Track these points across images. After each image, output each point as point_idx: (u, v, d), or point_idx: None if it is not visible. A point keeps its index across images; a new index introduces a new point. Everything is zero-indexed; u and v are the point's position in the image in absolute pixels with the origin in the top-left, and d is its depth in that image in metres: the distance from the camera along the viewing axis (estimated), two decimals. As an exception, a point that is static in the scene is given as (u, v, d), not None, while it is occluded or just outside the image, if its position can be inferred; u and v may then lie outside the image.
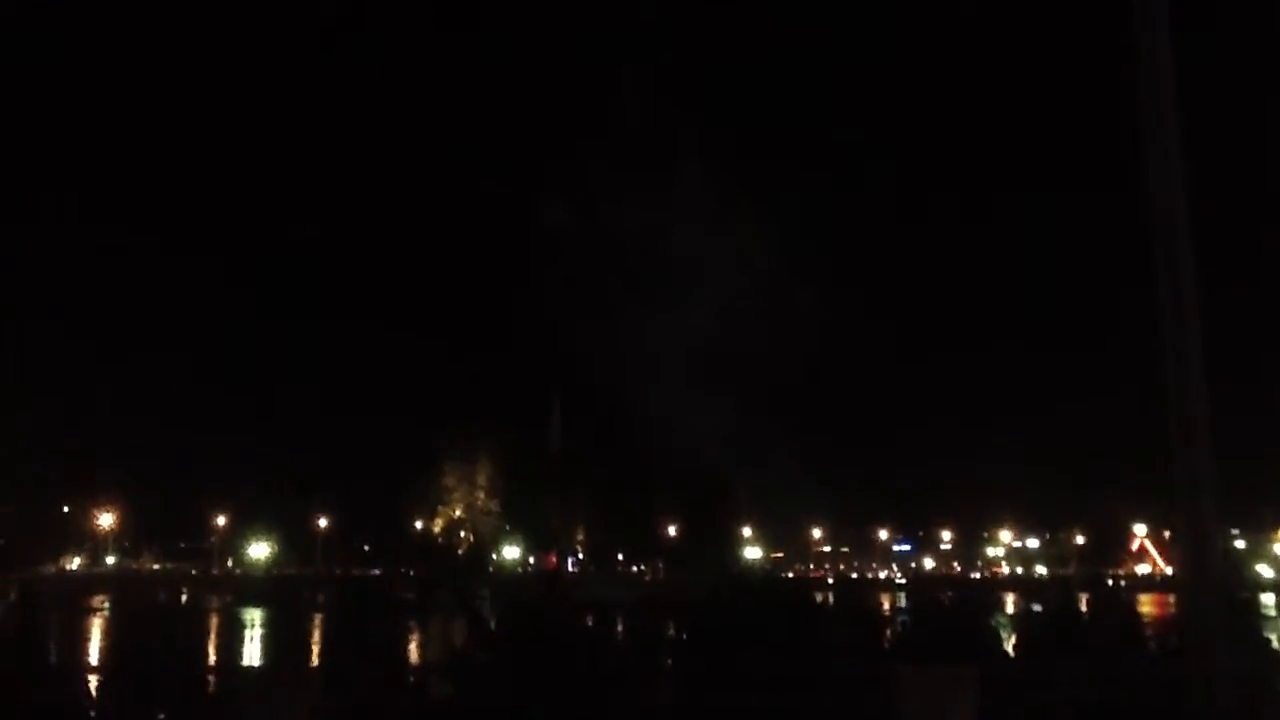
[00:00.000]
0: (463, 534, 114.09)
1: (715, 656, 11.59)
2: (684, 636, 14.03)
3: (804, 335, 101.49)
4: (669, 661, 12.56)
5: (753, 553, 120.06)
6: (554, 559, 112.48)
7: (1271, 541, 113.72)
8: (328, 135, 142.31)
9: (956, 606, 15.21)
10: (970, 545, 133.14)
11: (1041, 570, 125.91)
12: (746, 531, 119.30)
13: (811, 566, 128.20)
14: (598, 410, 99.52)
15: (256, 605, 73.74)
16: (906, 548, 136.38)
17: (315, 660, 35.57)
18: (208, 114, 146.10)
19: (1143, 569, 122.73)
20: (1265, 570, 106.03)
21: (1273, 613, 63.19)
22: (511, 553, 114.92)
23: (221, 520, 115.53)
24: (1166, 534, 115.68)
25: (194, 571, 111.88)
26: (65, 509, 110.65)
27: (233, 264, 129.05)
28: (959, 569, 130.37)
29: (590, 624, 12.62)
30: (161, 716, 11.62)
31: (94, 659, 36.23)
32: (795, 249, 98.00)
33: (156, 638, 38.65)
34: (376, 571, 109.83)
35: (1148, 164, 5.48)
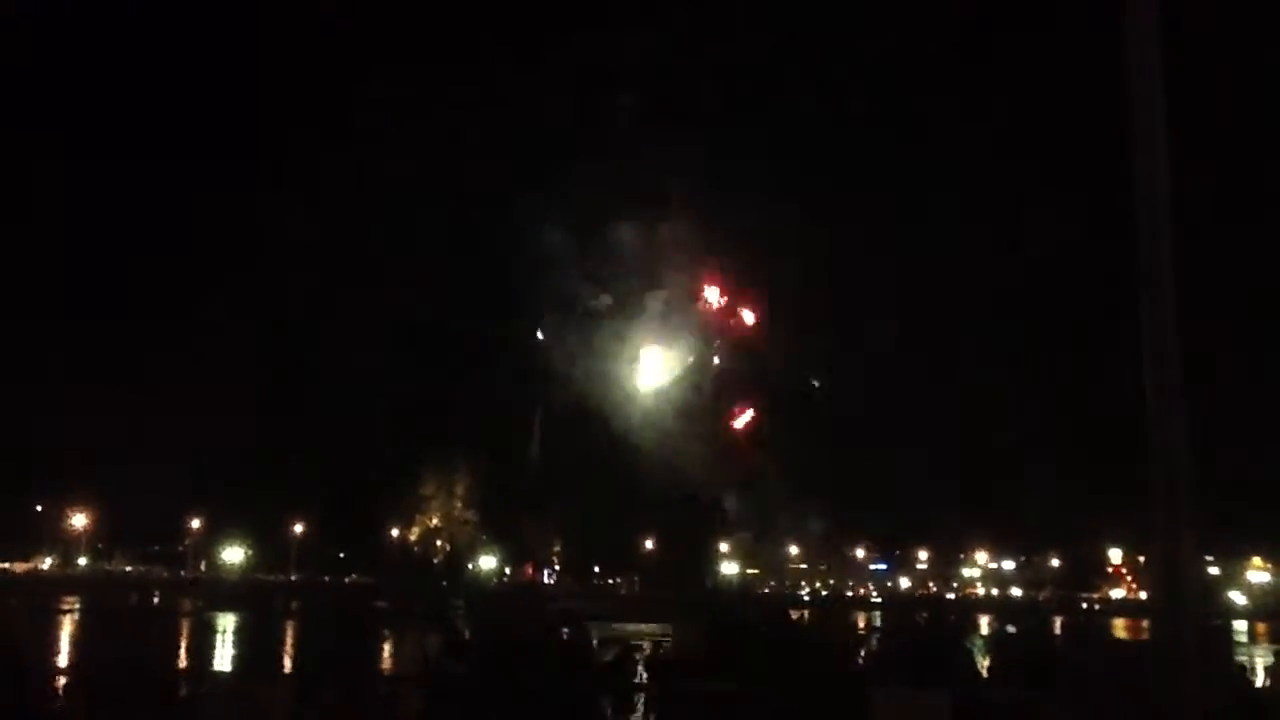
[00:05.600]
0: (439, 543, 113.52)
1: (691, 677, 11.58)
2: (662, 654, 14.03)
3: (789, 355, 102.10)
4: (647, 681, 12.53)
5: (729, 568, 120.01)
6: (531, 570, 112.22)
7: (1245, 569, 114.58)
8: (319, 139, 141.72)
9: (931, 628, 15.22)
10: (946, 566, 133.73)
11: (1016, 592, 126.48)
12: (724, 547, 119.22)
13: (788, 584, 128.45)
14: (578, 423, 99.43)
15: (229, 610, 73.14)
16: (883, 567, 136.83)
17: (286, 668, 35.31)
18: (197, 121, 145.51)
19: (1117, 593, 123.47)
20: (1238, 597, 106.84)
21: (1244, 640, 63.70)
22: (488, 563, 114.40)
23: (196, 524, 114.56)
24: (1141, 559, 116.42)
25: (166, 574, 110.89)
26: (38, 508, 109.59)
27: (220, 266, 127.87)
28: (934, 589, 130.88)
29: (566, 638, 12.55)
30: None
31: (62, 661, 35.82)
32: (781, 271, 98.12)
33: (126, 641, 38.27)
34: (362, 579, 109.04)
35: (1135, 192, 5.53)
